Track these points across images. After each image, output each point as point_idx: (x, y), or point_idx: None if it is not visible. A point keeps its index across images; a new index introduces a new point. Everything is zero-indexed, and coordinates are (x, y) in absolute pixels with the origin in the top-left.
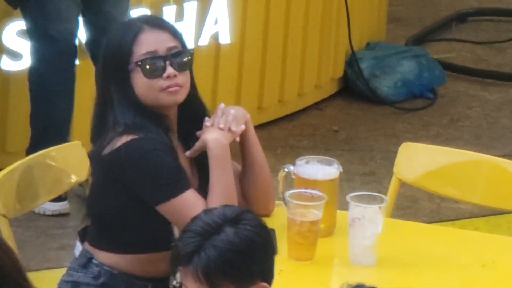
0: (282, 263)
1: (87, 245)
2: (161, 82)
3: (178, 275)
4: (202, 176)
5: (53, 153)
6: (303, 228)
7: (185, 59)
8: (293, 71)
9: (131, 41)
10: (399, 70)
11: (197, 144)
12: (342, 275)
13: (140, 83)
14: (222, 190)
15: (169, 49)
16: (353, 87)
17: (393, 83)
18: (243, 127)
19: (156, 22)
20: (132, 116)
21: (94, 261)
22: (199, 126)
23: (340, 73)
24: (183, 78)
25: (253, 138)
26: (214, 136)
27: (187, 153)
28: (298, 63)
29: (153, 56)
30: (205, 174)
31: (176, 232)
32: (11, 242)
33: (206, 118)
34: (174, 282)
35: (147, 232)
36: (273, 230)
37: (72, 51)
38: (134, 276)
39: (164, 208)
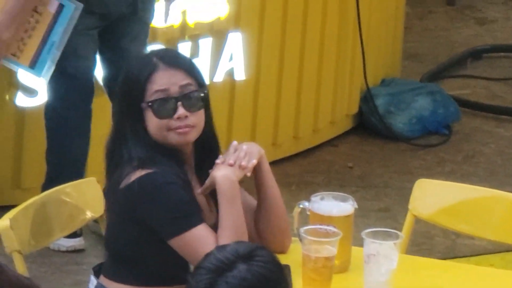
0: None
1: (102, 279)
2: (172, 123)
3: None
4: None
5: (68, 189)
6: (318, 264)
7: (198, 98)
8: (308, 107)
9: (145, 80)
10: (414, 106)
11: (207, 181)
12: None
13: (151, 122)
14: (232, 226)
15: (182, 88)
16: (368, 124)
17: (408, 120)
18: (254, 161)
19: (171, 60)
20: (145, 151)
21: None
22: (215, 161)
23: (355, 109)
24: (195, 119)
25: (268, 174)
26: (222, 172)
27: (199, 191)
28: (313, 99)
29: (165, 97)
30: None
31: (192, 266)
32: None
33: (220, 156)
34: None
35: (163, 266)
36: (288, 266)
37: (89, 88)
38: None
39: (175, 243)
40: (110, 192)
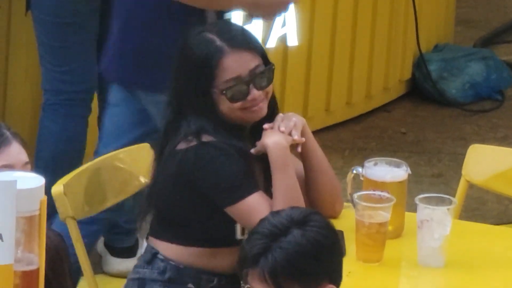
0: (350, 264)
1: (151, 240)
2: (246, 103)
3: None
4: (269, 178)
5: (122, 155)
6: (371, 230)
7: (268, 76)
8: (361, 73)
9: (214, 66)
10: (467, 72)
11: (257, 148)
12: (410, 277)
13: (223, 104)
14: (285, 193)
15: (252, 70)
16: (421, 89)
17: (461, 85)
18: (303, 139)
19: (239, 42)
20: (205, 121)
21: (159, 256)
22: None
23: (408, 75)
24: (265, 93)
25: (312, 142)
26: (274, 139)
27: (252, 150)
28: (365, 65)
29: (237, 83)
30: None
31: (239, 231)
32: (79, 244)
33: (266, 124)
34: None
35: (210, 228)
36: (341, 231)
37: None
38: (200, 270)
39: (231, 210)
40: (164, 155)
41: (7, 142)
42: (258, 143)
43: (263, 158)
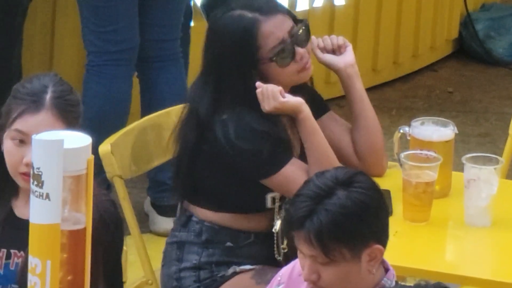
0: (397, 224)
1: (185, 203)
2: (296, 66)
3: (277, 225)
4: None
5: (168, 114)
6: (418, 190)
7: (306, 33)
8: (408, 33)
9: (255, 37)
10: None
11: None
12: (457, 236)
13: (275, 72)
14: (318, 156)
15: (290, 31)
16: (468, 49)
17: (508, 44)
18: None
19: (268, 8)
20: (242, 91)
21: (194, 218)
22: (306, 92)
23: (455, 34)
24: (308, 51)
25: (359, 92)
26: (299, 103)
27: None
28: (412, 25)
29: (283, 46)
30: None
31: (269, 200)
32: (126, 203)
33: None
34: (282, 246)
35: (241, 197)
36: (388, 191)
37: None
38: (236, 230)
39: (267, 182)
40: (198, 122)
41: (37, 108)
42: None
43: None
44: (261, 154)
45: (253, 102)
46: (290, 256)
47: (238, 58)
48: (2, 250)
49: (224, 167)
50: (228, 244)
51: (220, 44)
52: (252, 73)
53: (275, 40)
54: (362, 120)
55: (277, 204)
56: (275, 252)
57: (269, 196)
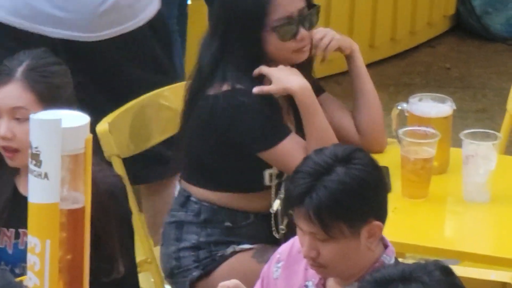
0: (396, 200)
1: (183, 183)
2: (295, 44)
3: (275, 206)
4: (298, 120)
5: (166, 93)
6: (416, 166)
7: (314, 17)
8: (405, 9)
9: (268, 3)
10: (511, 6)
11: (277, 88)
12: (455, 212)
13: (274, 44)
14: (317, 134)
15: (301, 10)
16: (465, 24)
17: (505, 20)
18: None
19: None
20: (241, 72)
21: (192, 198)
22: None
23: (452, 10)
24: (310, 36)
25: (359, 69)
26: (298, 83)
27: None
28: (409, 1)
29: (288, 22)
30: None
31: (267, 177)
32: (125, 182)
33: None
34: (281, 226)
35: (239, 174)
36: (386, 168)
37: None
38: (234, 210)
39: (265, 156)
40: (196, 99)
41: (6, 80)
42: (276, 84)
43: (291, 100)
44: (260, 127)
45: (252, 67)
46: (289, 236)
47: (246, 18)
48: (11, 230)
49: (222, 143)
50: (227, 224)
51: (232, 4)
52: (254, 37)
53: (283, 13)
54: (363, 96)
55: (274, 182)
56: (274, 232)
57: (267, 173)
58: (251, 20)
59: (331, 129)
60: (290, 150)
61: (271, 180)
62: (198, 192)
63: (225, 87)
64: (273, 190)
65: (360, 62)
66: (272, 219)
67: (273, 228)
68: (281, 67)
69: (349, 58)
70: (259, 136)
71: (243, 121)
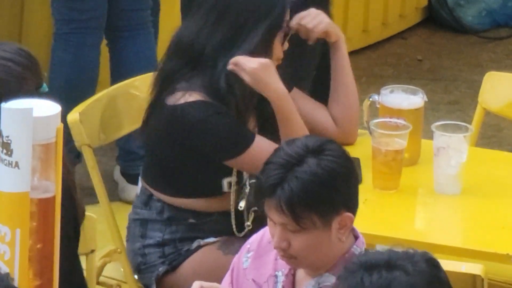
0: (366, 192)
1: (144, 183)
2: (279, 53)
3: (242, 203)
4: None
5: (137, 83)
6: (387, 157)
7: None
8: (377, 1)
9: (285, 3)
10: None
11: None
12: (426, 204)
13: (277, 46)
14: (292, 136)
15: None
16: (437, 16)
17: (477, 12)
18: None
19: None
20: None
21: (154, 197)
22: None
23: (424, 2)
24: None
25: (343, 59)
26: (276, 88)
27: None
28: None
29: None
30: (266, 122)
31: (225, 185)
32: (95, 172)
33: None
34: (247, 223)
35: (197, 181)
36: (357, 159)
37: None
38: (197, 211)
39: (233, 163)
40: (156, 105)
41: None
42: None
43: (255, 106)
44: (225, 135)
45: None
46: (255, 232)
47: (272, 14)
48: None
49: (181, 152)
50: (191, 220)
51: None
52: (273, 33)
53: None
54: (343, 88)
55: (233, 189)
56: (235, 230)
57: (225, 181)
58: (276, 18)
59: (306, 128)
60: (257, 154)
61: (229, 187)
62: (159, 195)
63: (181, 100)
64: (232, 196)
65: (344, 53)
66: (233, 218)
67: (234, 227)
68: (263, 66)
69: (333, 47)
70: (226, 146)
71: (206, 133)
